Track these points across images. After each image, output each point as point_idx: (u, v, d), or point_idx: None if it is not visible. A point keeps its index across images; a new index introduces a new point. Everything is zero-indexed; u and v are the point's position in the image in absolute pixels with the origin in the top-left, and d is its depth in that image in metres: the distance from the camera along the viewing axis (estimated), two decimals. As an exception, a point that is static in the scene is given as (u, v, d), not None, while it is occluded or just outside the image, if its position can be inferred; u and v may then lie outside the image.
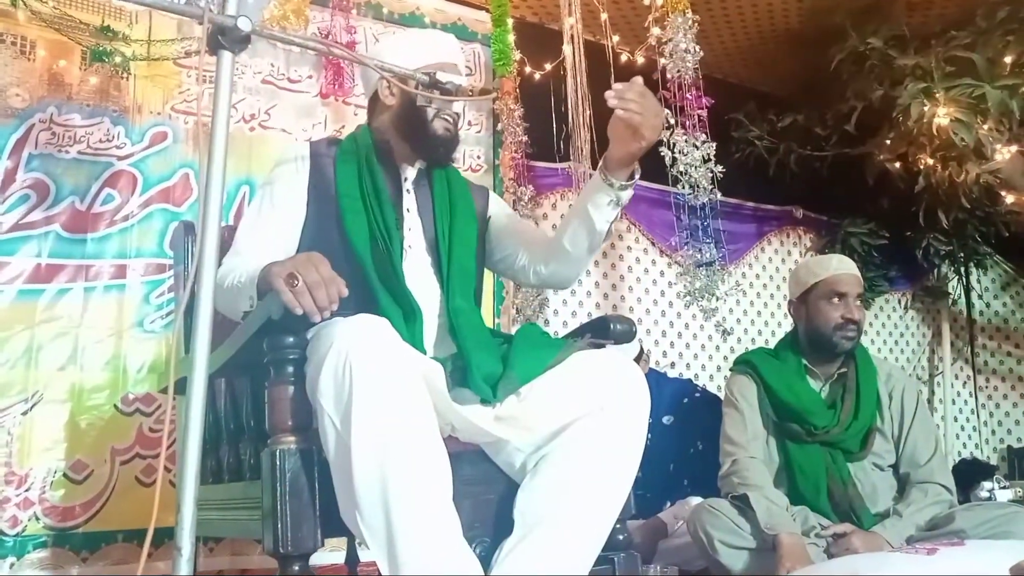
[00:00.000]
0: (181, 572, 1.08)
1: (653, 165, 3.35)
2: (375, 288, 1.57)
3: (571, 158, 3.44)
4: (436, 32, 1.92)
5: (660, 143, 3.33)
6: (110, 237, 2.74)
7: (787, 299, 2.53)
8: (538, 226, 3.76)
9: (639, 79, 1.51)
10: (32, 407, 2.53)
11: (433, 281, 1.70)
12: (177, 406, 1.75)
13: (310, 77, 3.21)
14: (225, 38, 1.24)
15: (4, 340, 2.53)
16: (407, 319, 1.54)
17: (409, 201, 1.76)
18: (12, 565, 2.43)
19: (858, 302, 2.35)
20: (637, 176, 1.60)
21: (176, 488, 1.15)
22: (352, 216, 1.64)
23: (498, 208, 1.92)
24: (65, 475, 2.55)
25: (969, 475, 3.88)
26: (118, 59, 2.76)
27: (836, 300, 2.34)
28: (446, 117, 1.73)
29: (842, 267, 2.39)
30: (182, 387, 1.20)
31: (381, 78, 1.74)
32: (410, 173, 1.79)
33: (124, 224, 2.77)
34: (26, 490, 2.49)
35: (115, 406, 2.67)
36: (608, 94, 1.48)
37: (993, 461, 5.04)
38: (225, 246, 1.62)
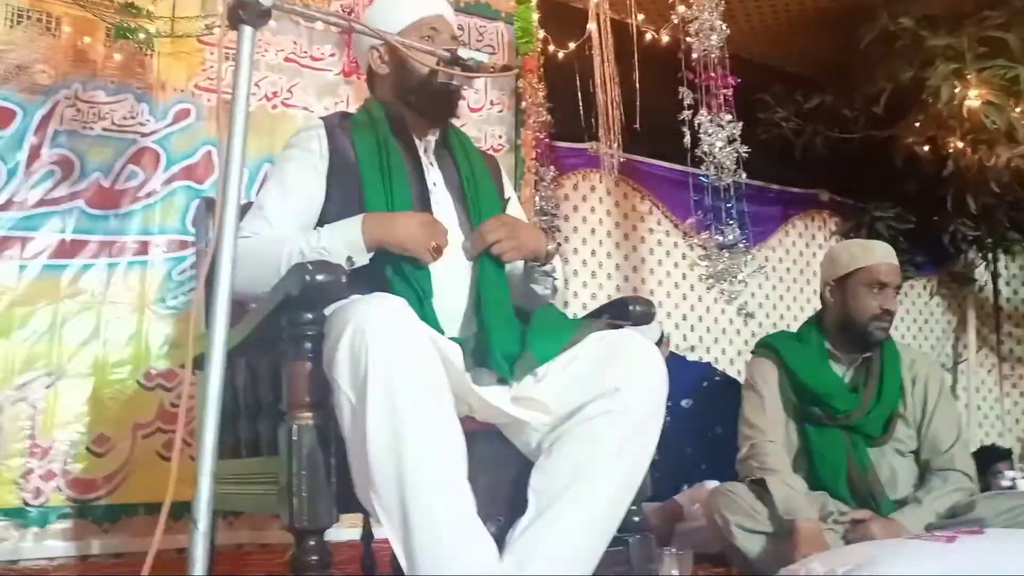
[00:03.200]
0: (197, 546, 1.09)
1: (678, 145, 3.33)
2: (388, 268, 1.56)
3: (597, 138, 3.41)
4: None
5: (682, 123, 3.29)
6: (133, 213, 2.76)
7: (824, 280, 2.43)
8: (558, 206, 3.75)
9: (484, 228, 1.65)
10: (55, 381, 2.57)
11: (467, 255, 1.67)
12: (196, 382, 1.76)
13: (332, 55, 3.20)
14: (246, 13, 1.22)
15: (28, 314, 2.56)
16: (420, 299, 1.53)
17: (435, 175, 1.74)
18: (35, 535, 2.48)
19: (895, 294, 2.32)
20: (552, 255, 1.74)
21: (195, 463, 1.16)
22: (373, 190, 1.62)
23: (511, 195, 1.90)
24: (88, 448, 2.59)
25: (984, 461, 3.84)
26: (142, 36, 2.77)
27: (877, 290, 2.30)
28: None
29: (887, 257, 2.34)
30: (201, 362, 1.20)
31: (371, 48, 1.74)
32: (428, 144, 1.77)
33: (147, 201, 2.79)
34: (49, 462, 2.53)
35: (137, 381, 2.70)
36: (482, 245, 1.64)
37: (1017, 450, 4.98)
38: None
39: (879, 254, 2.34)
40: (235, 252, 1.20)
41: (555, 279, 1.76)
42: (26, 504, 2.48)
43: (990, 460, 3.84)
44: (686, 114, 3.29)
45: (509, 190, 1.91)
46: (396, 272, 1.55)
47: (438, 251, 1.55)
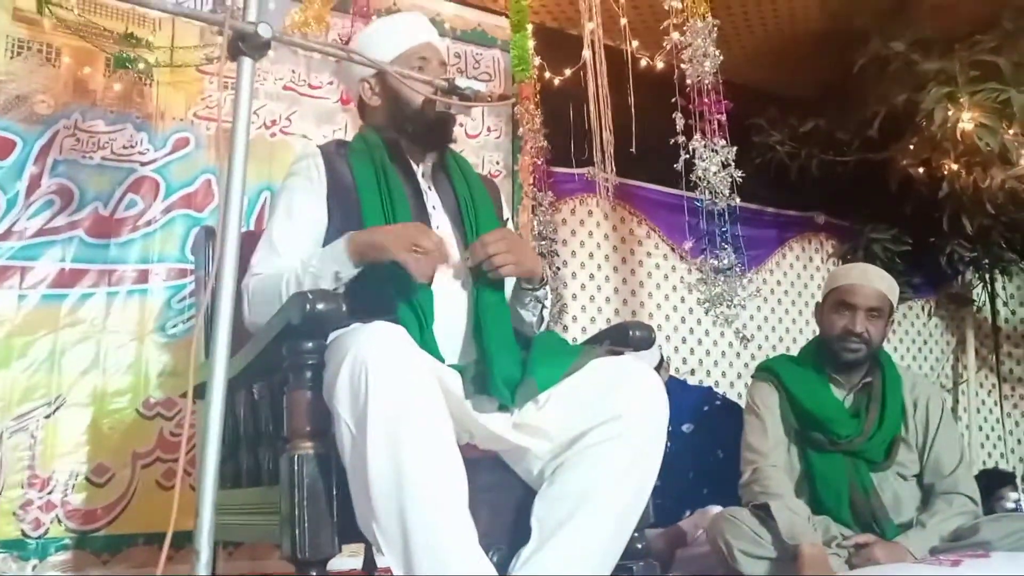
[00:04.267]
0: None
1: (674, 170, 3.35)
2: (392, 291, 1.56)
3: (591, 163, 3.43)
4: (406, 15, 1.88)
5: (677, 146, 3.31)
6: (133, 242, 2.76)
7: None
8: (556, 231, 3.76)
9: (483, 240, 1.59)
10: (55, 411, 2.56)
11: (466, 279, 1.67)
12: (197, 410, 1.76)
13: (331, 83, 3.23)
14: (245, 44, 1.24)
15: (28, 344, 2.56)
16: (422, 325, 1.53)
17: (433, 199, 1.75)
18: (34, 567, 2.45)
19: (873, 315, 2.29)
20: (546, 282, 1.74)
21: (195, 492, 1.16)
22: (373, 214, 1.62)
23: (508, 218, 1.91)
24: (87, 478, 2.57)
25: (989, 485, 3.82)
26: (141, 66, 2.79)
27: (844, 311, 2.30)
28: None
29: (861, 279, 2.33)
30: (202, 392, 1.20)
31: (362, 80, 1.76)
32: (425, 169, 1.78)
33: (147, 229, 2.79)
34: (48, 493, 2.51)
35: (137, 410, 2.69)
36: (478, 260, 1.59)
37: (1020, 471, 4.96)
38: (245, 251, 1.62)
39: (855, 275, 2.37)
40: (236, 281, 1.20)
41: (544, 307, 1.76)
42: (25, 535, 2.46)
43: (994, 484, 3.81)
44: (680, 139, 3.31)
45: (507, 213, 1.92)
46: (399, 294, 1.55)
47: (428, 261, 1.47)
